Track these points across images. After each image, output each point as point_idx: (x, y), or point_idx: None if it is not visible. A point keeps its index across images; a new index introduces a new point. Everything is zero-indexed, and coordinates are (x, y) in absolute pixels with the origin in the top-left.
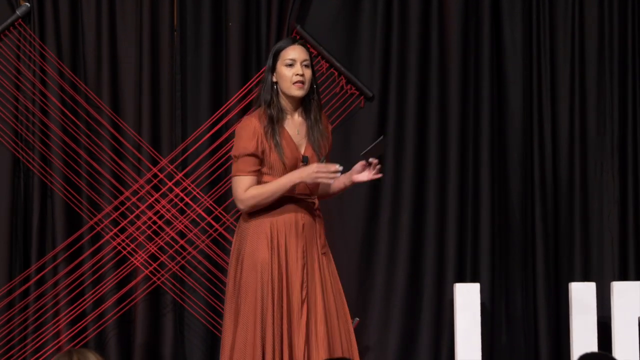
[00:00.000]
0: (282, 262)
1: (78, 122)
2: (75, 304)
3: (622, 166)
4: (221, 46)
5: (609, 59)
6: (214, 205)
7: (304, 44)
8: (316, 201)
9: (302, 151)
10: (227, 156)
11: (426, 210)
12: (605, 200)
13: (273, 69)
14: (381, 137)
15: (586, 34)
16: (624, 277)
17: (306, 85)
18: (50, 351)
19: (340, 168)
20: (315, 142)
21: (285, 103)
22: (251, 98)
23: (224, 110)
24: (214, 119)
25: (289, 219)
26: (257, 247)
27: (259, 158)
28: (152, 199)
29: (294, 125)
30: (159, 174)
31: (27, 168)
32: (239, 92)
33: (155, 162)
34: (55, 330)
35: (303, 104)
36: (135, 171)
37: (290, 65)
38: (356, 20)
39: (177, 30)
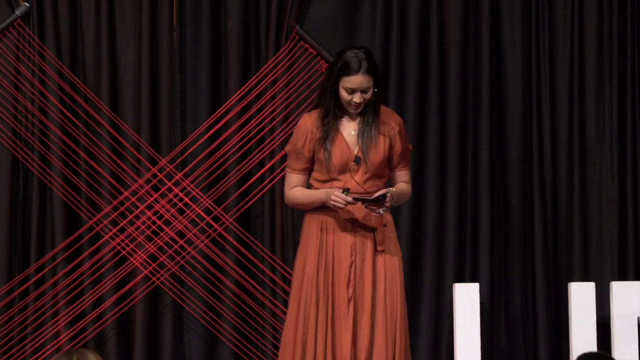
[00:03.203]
0: (329, 260)
1: (77, 122)
2: (75, 304)
3: (622, 166)
4: (220, 46)
5: (608, 59)
6: (213, 205)
7: (370, 69)
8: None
9: (356, 151)
10: (226, 156)
11: (426, 210)
12: (605, 200)
13: (336, 81)
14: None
15: (586, 34)
16: (623, 277)
17: (362, 105)
18: (50, 351)
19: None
20: (364, 144)
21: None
22: (250, 98)
23: (223, 110)
24: (213, 119)
25: (340, 216)
26: (308, 243)
27: (306, 158)
28: (152, 199)
29: (351, 125)
30: (158, 174)
31: (27, 168)
32: (238, 92)
33: (154, 162)
34: (55, 330)
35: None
36: (134, 171)
37: (350, 92)
38: (356, 19)
39: (176, 31)
